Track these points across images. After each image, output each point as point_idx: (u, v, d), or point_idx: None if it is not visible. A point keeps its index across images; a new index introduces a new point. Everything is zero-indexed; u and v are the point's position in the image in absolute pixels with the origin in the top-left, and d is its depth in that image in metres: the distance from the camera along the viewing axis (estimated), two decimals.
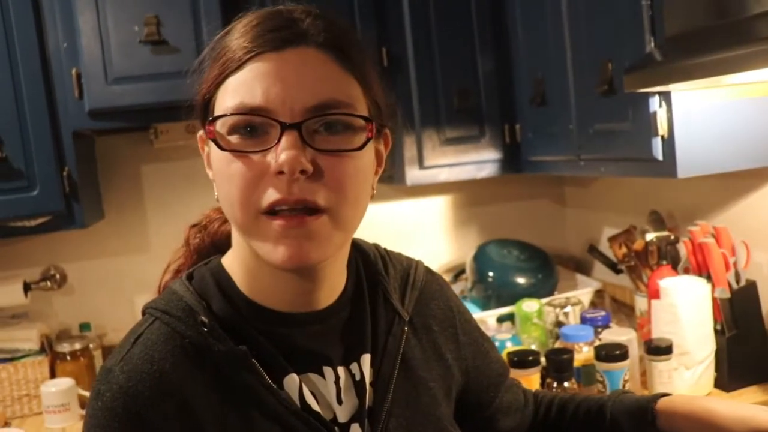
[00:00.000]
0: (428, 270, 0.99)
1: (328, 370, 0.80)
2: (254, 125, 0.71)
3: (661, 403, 0.94)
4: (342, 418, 0.80)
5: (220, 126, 0.72)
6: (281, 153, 0.69)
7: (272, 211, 0.70)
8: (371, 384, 0.82)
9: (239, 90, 0.71)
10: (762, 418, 0.86)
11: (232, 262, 0.81)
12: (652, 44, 1.45)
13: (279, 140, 0.70)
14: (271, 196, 0.70)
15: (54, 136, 1.92)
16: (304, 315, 0.80)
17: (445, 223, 2.64)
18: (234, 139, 0.72)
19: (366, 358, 0.83)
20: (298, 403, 0.76)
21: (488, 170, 2.24)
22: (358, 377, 0.82)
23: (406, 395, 0.84)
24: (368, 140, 0.73)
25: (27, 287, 2.19)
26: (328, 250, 0.73)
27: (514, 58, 2.17)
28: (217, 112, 0.73)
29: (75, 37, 1.87)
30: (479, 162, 2.22)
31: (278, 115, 0.70)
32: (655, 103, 1.49)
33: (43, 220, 1.95)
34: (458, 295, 2.48)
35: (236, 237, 0.79)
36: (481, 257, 2.33)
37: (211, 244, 0.89)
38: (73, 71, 1.90)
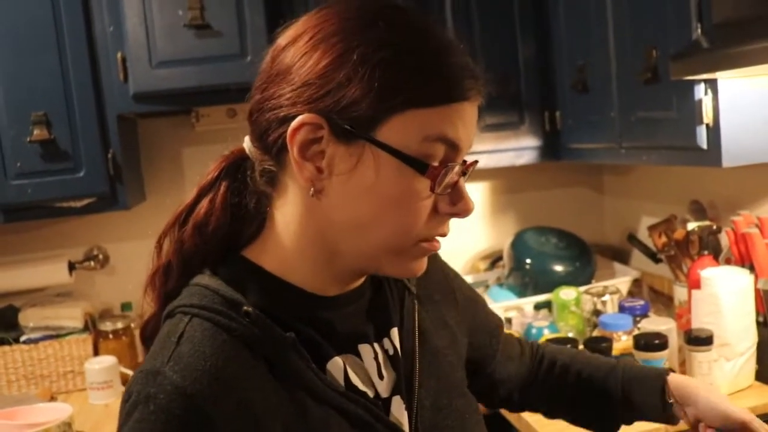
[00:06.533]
0: None
1: (365, 348, 0.82)
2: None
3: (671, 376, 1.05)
4: (384, 393, 0.82)
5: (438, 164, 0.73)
6: (469, 200, 0.77)
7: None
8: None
9: (459, 132, 0.74)
10: (737, 414, 0.95)
11: (262, 254, 0.80)
12: (699, 31, 1.43)
13: (457, 183, 0.76)
14: (438, 230, 0.77)
15: (99, 119, 1.96)
16: (341, 297, 0.81)
17: (483, 209, 2.63)
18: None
19: (395, 332, 0.86)
20: (343, 384, 0.77)
21: (527, 157, 2.23)
22: (391, 351, 0.84)
23: (428, 365, 0.87)
24: None
25: (71, 267, 2.25)
26: None
27: (555, 44, 2.15)
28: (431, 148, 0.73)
29: (121, 22, 1.91)
30: (518, 149, 2.22)
31: (459, 160, 0.76)
32: (700, 90, 1.47)
33: (88, 202, 1.99)
34: (495, 282, 2.46)
35: (291, 230, 0.78)
36: (518, 244, 2.32)
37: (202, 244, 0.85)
38: (119, 55, 1.93)
